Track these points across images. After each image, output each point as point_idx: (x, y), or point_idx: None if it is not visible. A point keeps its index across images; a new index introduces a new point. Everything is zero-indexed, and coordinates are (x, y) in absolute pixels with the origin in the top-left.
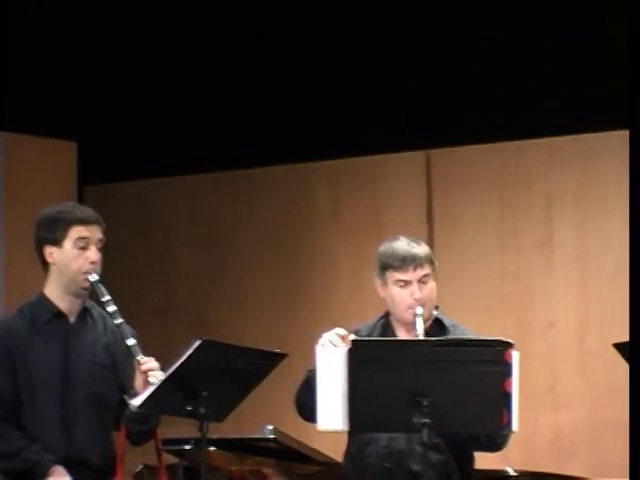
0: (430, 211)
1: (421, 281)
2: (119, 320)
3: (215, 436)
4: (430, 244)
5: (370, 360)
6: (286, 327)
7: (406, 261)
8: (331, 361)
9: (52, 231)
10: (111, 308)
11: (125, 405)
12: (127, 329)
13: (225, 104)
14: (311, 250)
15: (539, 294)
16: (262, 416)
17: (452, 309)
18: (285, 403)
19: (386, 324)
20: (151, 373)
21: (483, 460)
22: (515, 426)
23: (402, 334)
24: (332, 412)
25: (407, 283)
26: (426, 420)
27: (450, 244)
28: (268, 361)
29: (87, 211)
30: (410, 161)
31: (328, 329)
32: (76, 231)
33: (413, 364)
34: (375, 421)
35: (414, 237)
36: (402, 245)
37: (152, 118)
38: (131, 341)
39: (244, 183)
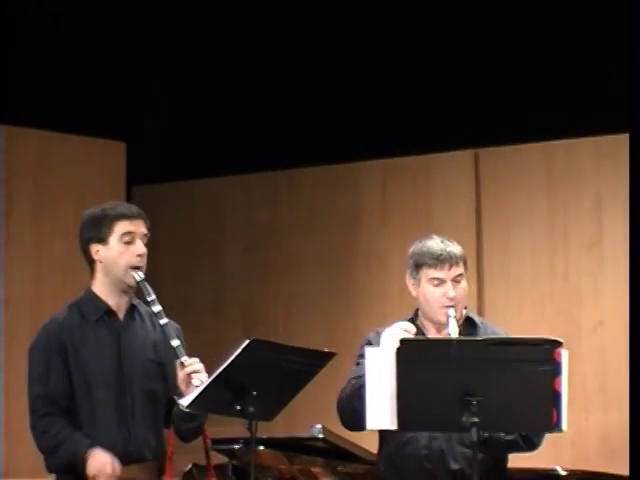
0: (479, 210)
1: (455, 280)
2: (164, 320)
3: (264, 435)
4: (479, 243)
5: (419, 359)
6: (334, 326)
7: (441, 259)
8: (380, 360)
9: (97, 229)
10: (156, 307)
11: (174, 403)
12: (172, 329)
13: (274, 103)
14: (360, 250)
15: (588, 294)
16: (311, 415)
17: (500, 309)
18: (334, 403)
19: (417, 324)
20: (195, 375)
21: (533, 459)
22: (565, 425)
23: (432, 334)
24: (381, 411)
25: (441, 281)
26: (475, 419)
27: (499, 244)
28: (317, 360)
29: (130, 207)
30: (459, 160)
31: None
32: (121, 226)
33: (462, 363)
34: (423, 420)
35: (463, 236)
36: (437, 243)
37: (201, 118)
38: (175, 342)
39: (293, 183)
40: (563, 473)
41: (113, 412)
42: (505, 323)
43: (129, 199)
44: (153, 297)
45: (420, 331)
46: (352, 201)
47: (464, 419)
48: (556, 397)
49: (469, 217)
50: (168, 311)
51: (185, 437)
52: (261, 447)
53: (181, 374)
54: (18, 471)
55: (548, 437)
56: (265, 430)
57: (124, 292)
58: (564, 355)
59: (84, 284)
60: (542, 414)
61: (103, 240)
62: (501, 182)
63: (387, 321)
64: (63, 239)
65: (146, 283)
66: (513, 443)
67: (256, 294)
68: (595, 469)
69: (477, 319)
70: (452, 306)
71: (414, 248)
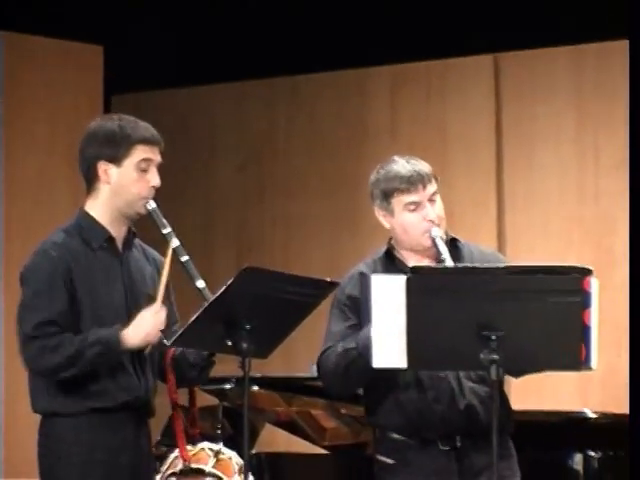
0: (499, 124)
1: (431, 199)
2: (185, 257)
3: (259, 374)
4: (499, 162)
5: (432, 289)
6: (337, 254)
7: (413, 180)
8: (388, 290)
9: (113, 147)
10: (174, 242)
11: (164, 345)
12: (194, 268)
13: (272, 1)
14: (366, 167)
15: (621, 219)
16: (311, 352)
17: (523, 235)
18: None
19: (390, 258)
20: None
21: (559, 401)
22: (594, 363)
23: (415, 263)
24: (389, 347)
25: (418, 205)
26: (494, 356)
27: (521, 162)
28: (318, 291)
29: (150, 129)
30: (476, 66)
31: None
32: (140, 151)
33: (480, 294)
34: (437, 357)
35: (481, 153)
36: (403, 165)
37: (189, 19)
38: (201, 283)
39: (292, 92)
40: (592, 416)
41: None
42: (529, 250)
43: (107, 109)
44: (169, 229)
45: (400, 264)
46: (358, 112)
47: (482, 356)
48: (585, 331)
49: (488, 131)
50: (152, 234)
51: (180, 385)
52: (255, 387)
53: None
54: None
55: (575, 376)
56: (260, 368)
57: (127, 220)
58: (594, 285)
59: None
60: (569, 350)
61: (117, 161)
62: (524, 92)
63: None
64: (33, 155)
65: (160, 213)
66: None
67: (250, 217)
68: (627, 412)
69: (461, 240)
70: (437, 226)
71: (377, 176)
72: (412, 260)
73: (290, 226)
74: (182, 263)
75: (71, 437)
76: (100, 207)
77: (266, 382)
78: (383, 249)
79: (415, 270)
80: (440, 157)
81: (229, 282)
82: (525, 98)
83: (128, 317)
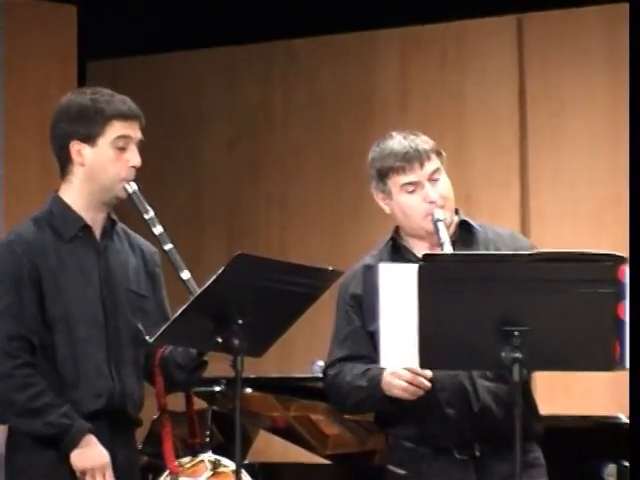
0: (523, 94)
1: (432, 179)
2: (169, 245)
3: (252, 375)
4: (522, 136)
5: (447, 279)
6: (341, 240)
7: (408, 157)
8: (398, 280)
9: (84, 124)
10: (157, 229)
11: (154, 346)
12: (179, 258)
13: None
14: (371, 143)
15: None
16: (310, 349)
17: (550, 219)
18: None
19: (395, 247)
20: None
21: (592, 405)
22: (627, 363)
23: (422, 251)
24: (399, 345)
25: (416, 185)
26: (517, 355)
27: (548, 137)
28: (318, 281)
29: (128, 102)
30: (498, 28)
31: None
32: (116, 127)
33: (501, 284)
34: (453, 356)
35: (503, 126)
36: (399, 141)
37: None
38: (186, 274)
39: (290, 58)
40: (627, 421)
41: (99, 352)
42: (556, 236)
43: (81, 78)
44: (151, 214)
45: (407, 253)
46: (364, 81)
47: (504, 354)
48: (619, 327)
49: (510, 102)
50: (133, 219)
51: (172, 389)
52: (249, 389)
53: None
54: None
55: (609, 378)
56: (254, 368)
57: (105, 206)
58: (628, 274)
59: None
60: (602, 348)
61: (90, 139)
62: (551, 57)
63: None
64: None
65: (141, 196)
66: None
67: (243, 199)
68: None
69: (474, 223)
70: (441, 207)
71: (373, 154)
72: (420, 248)
73: (287, 209)
74: (165, 252)
75: (33, 452)
76: (74, 192)
77: (261, 383)
78: (388, 237)
79: (428, 258)
80: (456, 132)
81: (219, 271)
82: (552, 64)
83: (105, 316)
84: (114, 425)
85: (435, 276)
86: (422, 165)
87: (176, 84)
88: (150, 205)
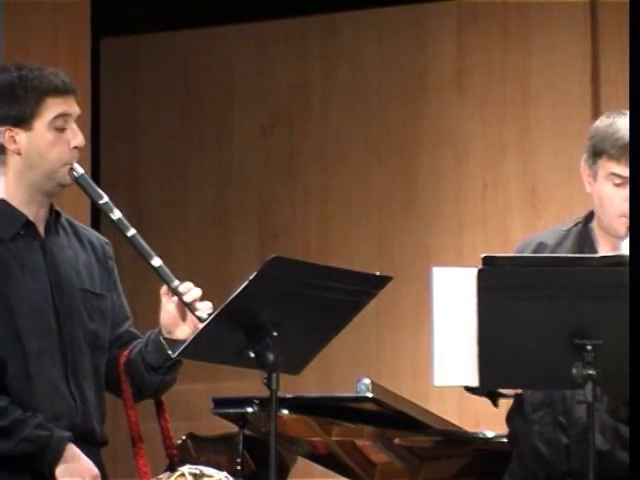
0: (596, 75)
1: None
2: (131, 231)
3: (290, 395)
4: (596, 118)
5: (510, 286)
6: (388, 241)
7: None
8: (455, 286)
9: (16, 105)
10: (115, 214)
11: (119, 347)
12: (145, 243)
13: None
14: (426, 129)
15: None
16: (354, 366)
17: None
18: (388, 347)
19: (585, 231)
20: (199, 306)
21: None
22: None
23: (605, 249)
24: (454, 361)
25: (625, 181)
26: (591, 372)
27: None
28: (364, 287)
29: (60, 74)
30: (570, 10)
31: (449, 243)
32: (53, 105)
33: (572, 292)
34: (517, 373)
35: (574, 109)
36: (627, 124)
37: None
38: (157, 261)
39: (331, 34)
40: None
41: (52, 367)
42: None
43: (95, 56)
44: (106, 199)
45: (590, 242)
46: (414, 60)
47: (575, 371)
48: None
49: (582, 83)
50: (153, 218)
51: (145, 395)
52: (285, 411)
53: (171, 307)
54: None
55: None
56: (291, 387)
57: (47, 197)
58: None
59: None
60: None
61: (24, 123)
62: (626, 37)
63: (464, 232)
64: None
65: (90, 180)
66: None
67: (278, 193)
68: None
69: None
70: None
71: (599, 123)
72: (604, 244)
73: (328, 205)
74: (129, 239)
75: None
76: (12, 185)
77: (298, 404)
78: (579, 219)
79: (488, 260)
80: (520, 116)
81: (251, 276)
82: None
83: (58, 323)
84: (78, 447)
85: (496, 282)
86: None
87: (201, 64)
88: (172, 201)
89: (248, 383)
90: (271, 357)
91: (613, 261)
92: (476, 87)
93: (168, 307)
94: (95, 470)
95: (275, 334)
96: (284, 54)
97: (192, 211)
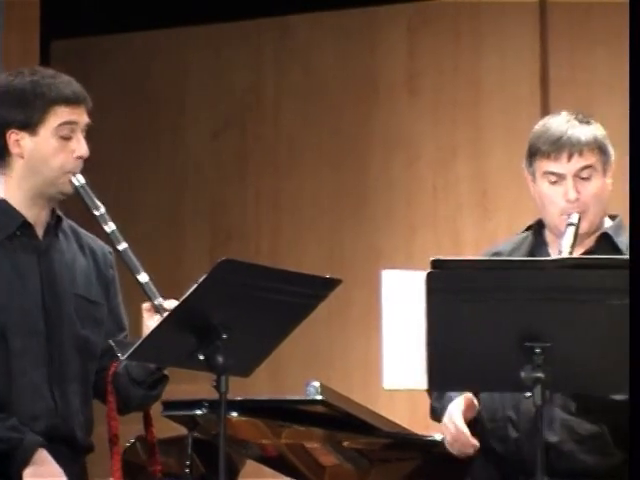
0: (545, 75)
1: (579, 176)
2: (123, 245)
3: (239, 397)
4: None
5: (460, 289)
6: (339, 244)
7: (559, 145)
8: (404, 289)
9: (23, 110)
10: (109, 226)
11: (111, 358)
12: (135, 258)
13: None
14: (377, 131)
15: None
16: (304, 369)
17: None
18: (339, 350)
19: (537, 238)
20: None
21: None
22: None
23: (555, 253)
24: (403, 364)
25: (560, 178)
26: (539, 374)
27: None
28: (314, 290)
29: (73, 83)
30: (519, 10)
31: (399, 246)
32: (60, 113)
33: (522, 294)
34: (466, 376)
35: (523, 109)
36: (560, 123)
37: None
38: (144, 277)
39: (283, 36)
40: None
41: (35, 368)
42: None
43: (45, 59)
44: (102, 211)
45: (544, 248)
46: (367, 62)
47: (524, 374)
48: None
49: (532, 83)
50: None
51: (130, 408)
52: (234, 413)
53: (151, 323)
54: None
55: None
56: (242, 389)
57: (49, 202)
58: None
59: None
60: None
61: (31, 128)
62: (578, 36)
63: (415, 234)
64: None
65: (89, 190)
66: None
67: (229, 196)
68: None
69: (623, 240)
70: (580, 211)
71: (535, 127)
72: (555, 248)
73: (279, 208)
74: (119, 252)
75: None
76: (14, 187)
77: (248, 407)
78: (534, 222)
79: (438, 264)
80: (471, 118)
81: (201, 279)
82: (579, 43)
83: (47, 326)
84: (59, 452)
85: (446, 285)
86: (570, 158)
87: (154, 66)
88: (124, 202)
89: (200, 385)
90: (220, 360)
91: (563, 264)
92: (427, 89)
93: (149, 323)
94: (63, 477)
95: (225, 337)
96: (237, 56)
97: (144, 213)
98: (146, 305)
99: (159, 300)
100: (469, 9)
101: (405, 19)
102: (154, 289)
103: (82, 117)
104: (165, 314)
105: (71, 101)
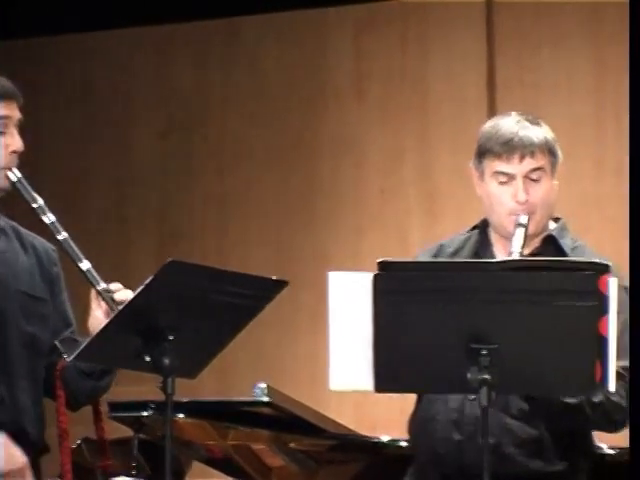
0: (492, 77)
1: (529, 177)
2: (62, 235)
3: (185, 399)
4: None
5: (406, 290)
6: (286, 245)
7: (510, 145)
8: (350, 291)
9: None
10: (48, 217)
11: (60, 354)
12: (76, 247)
13: None
14: (325, 135)
15: None
16: (251, 371)
17: None
18: (284, 352)
19: (482, 237)
20: None
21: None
22: (612, 385)
23: (501, 252)
24: (350, 365)
25: (510, 178)
26: (485, 376)
27: None
28: (261, 292)
29: (2, 81)
30: (466, 11)
31: (347, 248)
32: None
33: (468, 296)
34: (413, 377)
35: (470, 113)
36: (510, 124)
37: None
38: (85, 265)
39: (231, 38)
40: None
41: None
42: None
43: None
44: (40, 203)
45: (488, 248)
46: (314, 64)
47: (470, 375)
48: (602, 345)
49: (479, 84)
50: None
51: (83, 402)
52: (181, 415)
53: (99, 313)
54: None
55: None
56: (189, 391)
57: None
58: (613, 285)
59: None
60: (581, 368)
61: None
62: (524, 37)
63: (362, 237)
64: None
65: (27, 184)
66: (576, 408)
67: (175, 196)
68: None
69: (566, 242)
70: (529, 213)
71: (484, 127)
72: (499, 247)
73: (226, 208)
74: (59, 242)
75: None
76: None
77: (194, 408)
78: (480, 222)
79: (384, 266)
80: (419, 120)
81: (147, 280)
82: (526, 44)
83: None
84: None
85: (392, 286)
86: (521, 159)
87: (100, 67)
88: (71, 202)
89: (146, 387)
90: (167, 361)
91: (509, 266)
92: (375, 92)
93: (96, 313)
94: (24, 459)
95: (172, 338)
96: (184, 58)
97: (91, 213)
98: (93, 293)
99: (102, 285)
100: (416, 10)
101: (352, 21)
102: (96, 275)
103: (14, 112)
104: (115, 307)
105: (2, 96)
